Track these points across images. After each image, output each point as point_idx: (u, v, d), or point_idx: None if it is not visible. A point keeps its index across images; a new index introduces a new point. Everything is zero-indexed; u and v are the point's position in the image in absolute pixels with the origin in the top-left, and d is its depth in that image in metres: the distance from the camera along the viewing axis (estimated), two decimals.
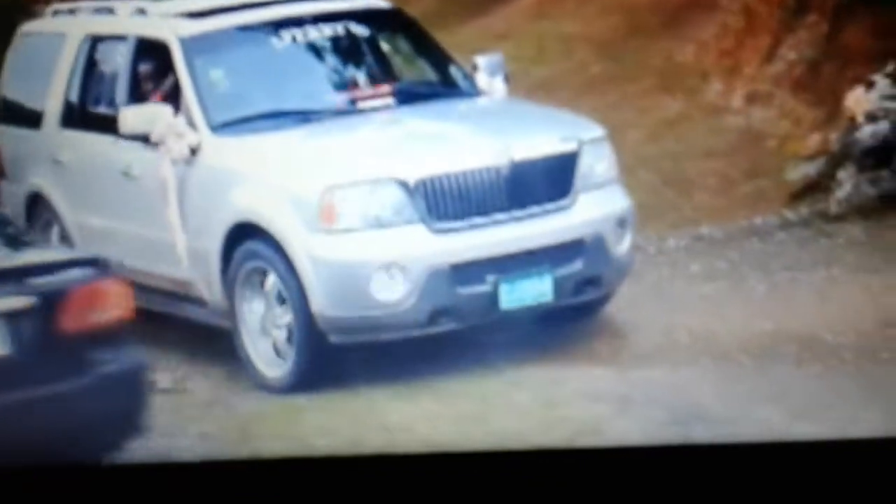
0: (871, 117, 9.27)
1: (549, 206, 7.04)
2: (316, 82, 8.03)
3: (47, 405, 5.18)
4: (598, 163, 7.30)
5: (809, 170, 9.56)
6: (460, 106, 8.00)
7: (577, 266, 7.00)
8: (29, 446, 4.94)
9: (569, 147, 7.17)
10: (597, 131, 7.50)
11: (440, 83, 8.19)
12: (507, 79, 8.29)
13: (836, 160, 9.39)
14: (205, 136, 7.30)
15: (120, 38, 8.06)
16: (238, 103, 7.60)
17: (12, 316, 5.21)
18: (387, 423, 6.40)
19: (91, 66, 8.23)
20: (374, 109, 7.63)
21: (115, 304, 5.48)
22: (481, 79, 8.09)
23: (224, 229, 7.09)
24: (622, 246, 7.26)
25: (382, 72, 8.13)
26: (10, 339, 5.19)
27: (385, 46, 8.39)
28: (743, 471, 3.06)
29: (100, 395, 5.36)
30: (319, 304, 6.72)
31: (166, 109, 7.36)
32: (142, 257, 7.73)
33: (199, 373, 7.56)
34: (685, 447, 3.76)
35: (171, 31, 7.70)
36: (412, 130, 7.53)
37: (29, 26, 9.11)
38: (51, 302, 5.27)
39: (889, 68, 9.42)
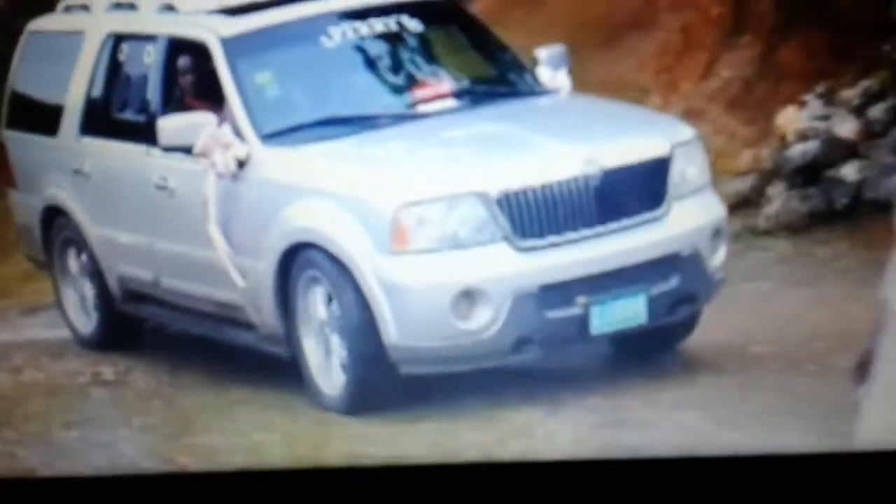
0: (802, 136, 10.05)
1: (642, 217, 6.53)
2: (371, 84, 7.56)
3: None
4: (690, 167, 6.86)
5: (741, 185, 10.26)
6: (529, 106, 7.48)
7: (672, 283, 6.52)
8: None
9: (661, 151, 6.70)
10: (687, 132, 7.08)
11: (502, 81, 7.71)
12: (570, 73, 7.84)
13: (767, 177, 10.23)
14: (254, 147, 6.70)
15: (148, 37, 7.46)
16: (289, 110, 7.10)
17: None
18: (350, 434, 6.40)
19: (115, 68, 7.66)
20: (437, 113, 7.08)
21: None
22: (544, 74, 7.58)
23: (278, 250, 6.52)
24: (716, 259, 6.81)
25: (440, 70, 7.60)
26: None
27: (441, 42, 7.94)
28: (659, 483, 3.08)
29: None
30: (392, 334, 6.16)
31: (210, 119, 6.75)
32: (179, 276, 7.22)
33: (142, 365, 7.67)
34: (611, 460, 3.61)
35: (210, 31, 7.12)
36: (485, 136, 6.98)
37: (38, 23, 8.52)
38: None
39: (820, 89, 10.22)
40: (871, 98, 10.01)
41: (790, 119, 10.25)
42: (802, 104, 10.26)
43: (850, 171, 9.76)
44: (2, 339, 8.78)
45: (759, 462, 3.01)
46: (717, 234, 6.83)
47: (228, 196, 6.77)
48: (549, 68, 7.59)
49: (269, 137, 6.87)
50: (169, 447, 6.51)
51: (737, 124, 11.00)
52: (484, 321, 6.13)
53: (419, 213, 6.17)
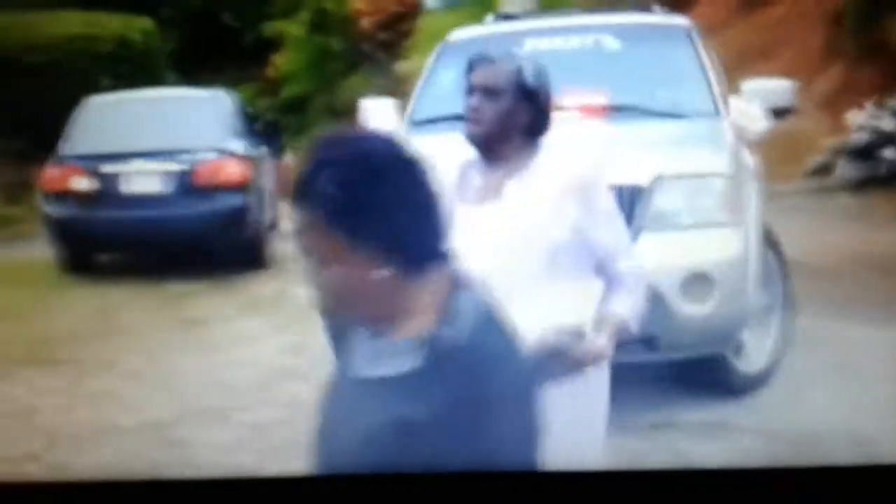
0: (860, 129, 13.53)
1: None
2: None
3: None
4: (682, 202, 6.20)
5: (821, 159, 13.78)
6: (656, 128, 6.87)
7: None
8: None
9: (637, 180, 6.11)
10: (703, 168, 6.37)
11: (671, 102, 7.17)
12: (783, 112, 7.53)
13: (837, 154, 13.66)
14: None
15: None
16: (439, 104, 7.08)
17: None
18: None
19: None
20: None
21: None
22: (736, 103, 7.25)
23: None
24: (693, 307, 6.02)
25: (608, 86, 7.15)
26: None
27: (633, 60, 7.49)
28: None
29: None
30: None
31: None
32: None
33: None
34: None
35: (448, 36, 7.89)
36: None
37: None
38: None
39: (873, 98, 13.62)
40: None
41: (854, 117, 13.64)
42: (862, 108, 13.68)
43: (890, 153, 13.16)
44: None
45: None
46: (697, 279, 6.04)
47: None
48: (747, 98, 7.35)
49: (415, 125, 7.12)
50: None
51: (823, 119, 14.15)
52: None
53: None
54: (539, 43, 7.43)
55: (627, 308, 3.59)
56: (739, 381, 6.65)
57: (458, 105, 3.83)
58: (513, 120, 3.65)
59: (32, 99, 15.94)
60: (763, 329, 6.83)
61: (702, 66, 7.41)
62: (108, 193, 11.78)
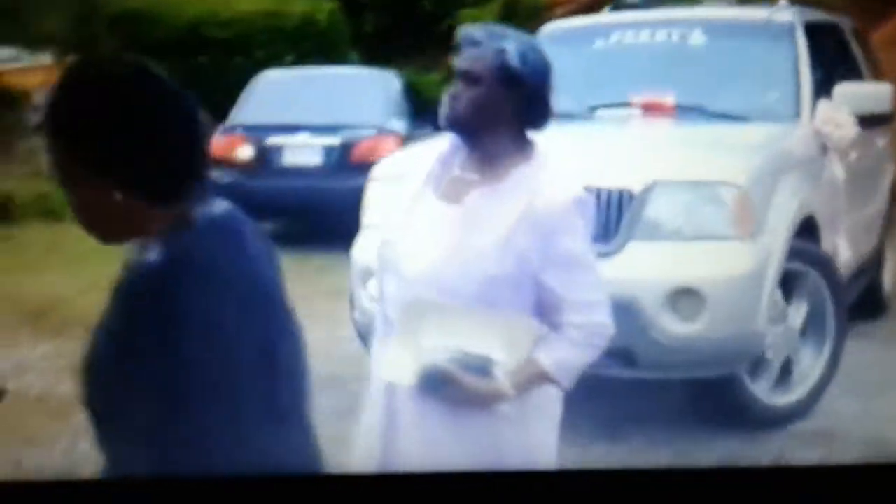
0: None
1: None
2: (595, 82, 7.36)
3: None
4: (677, 209, 5.84)
5: None
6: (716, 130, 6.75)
7: None
8: None
9: (631, 185, 5.86)
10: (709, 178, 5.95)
11: (746, 102, 7.00)
12: (883, 119, 7.30)
13: None
14: None
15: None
16: None
17: None
18: None
19: None
20: (619, 119, 6.95)
21: None
22: (824, 110, 6.90)
23: None
24: (675, 324, 5.65)
25: (681, 81, 7.08)
26: None
27: (721, 57, 7.30)
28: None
29: None
30: None
31: None
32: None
33: None
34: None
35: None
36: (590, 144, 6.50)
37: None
38: None
39: None
40: None
41: None
42: None
43: None
44: None
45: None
46: (685, 295, 5.65)
47: None
48: (836, 103, 6.97)
49: None
50: None
51: None
52: None
53: None
54: (624, 37, 7.38)
55: (554, 361, 3.24)
56: (762, 412, 6.18)
57: None
58: (493, 108, 3.30)
59: (217, 72, 16.44)
60: (804, 359, 6.41)
61: (795, 67, 7.12)
62: (269, 163, 12.19)
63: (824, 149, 6.95)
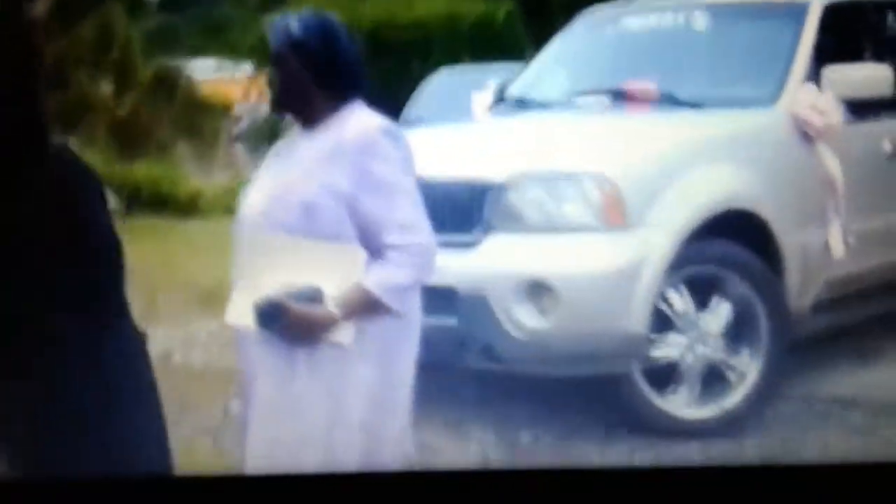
0: None
1: (453, 238, 5.45)
2: (585, 70, 7.42)
3: None
4: (540, 201, 5.69)
5: None
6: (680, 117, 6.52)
7: (450, 322, 5.44)
8: None
9: (492, 175, 5.78)
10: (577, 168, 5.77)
11: (720, 88, 6.76)
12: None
13: None
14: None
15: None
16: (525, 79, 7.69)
17: None
18: None
19: None
20: (598, 107, 6.87)
21: None
22: (805, 90, 6.49)
23: None
24: (533, 319, 5.49)
25: (671, 67, 6.94)
26: None
27: (724, 41, 7.05)
28: None
29: None
30: None
31: None
32: None
33: None
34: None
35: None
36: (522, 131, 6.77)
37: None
38: None
39: None
40: None
41: None
42: None
43: None
44: None
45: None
46: (536, 289, 5.48)
47: None
48: (825, 87, 6.54)
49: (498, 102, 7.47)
50: None
51: None
52: None
53: None
54: (633, 22, 7.24)
55: (375, 282, 3.41)
56: (668, 424, 5.84)
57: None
58: (296, 81, 3.59)
59: (395, 75, 16.93)
60: (733, 369, 6.00)
61: (790, 52, 6.63)
62: None
63: (806, 137, 6.44)
